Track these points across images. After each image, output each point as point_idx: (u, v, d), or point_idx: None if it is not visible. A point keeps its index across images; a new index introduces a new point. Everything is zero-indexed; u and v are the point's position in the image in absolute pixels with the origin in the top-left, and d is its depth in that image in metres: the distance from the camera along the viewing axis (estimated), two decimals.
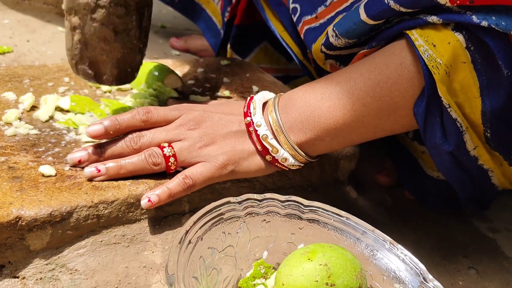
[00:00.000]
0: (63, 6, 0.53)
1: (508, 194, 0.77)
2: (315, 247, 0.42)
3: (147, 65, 0.70)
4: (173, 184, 0.48)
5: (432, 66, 0.46)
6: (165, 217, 0.51)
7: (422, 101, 0.48)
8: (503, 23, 0.43)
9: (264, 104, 0.56)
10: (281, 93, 0.56)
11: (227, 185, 0.55)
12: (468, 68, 0.46)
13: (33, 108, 0.60)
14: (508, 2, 0.42)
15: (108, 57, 0.53)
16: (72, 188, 0.47)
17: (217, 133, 0.53)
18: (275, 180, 0.59)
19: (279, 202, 0.46)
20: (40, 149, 0.52)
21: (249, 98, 0.55)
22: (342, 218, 0.48)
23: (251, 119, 0.53)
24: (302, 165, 0.55)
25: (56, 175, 0.48)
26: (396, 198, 0.72)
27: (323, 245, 0.42)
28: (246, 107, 0.54)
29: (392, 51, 0.50)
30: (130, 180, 0.49)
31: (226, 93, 0.73)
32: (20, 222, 0.43)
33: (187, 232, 0.39)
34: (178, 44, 1.17)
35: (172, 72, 0.70)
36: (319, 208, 0.47)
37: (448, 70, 0.46)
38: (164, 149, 0.50)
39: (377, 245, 0.46)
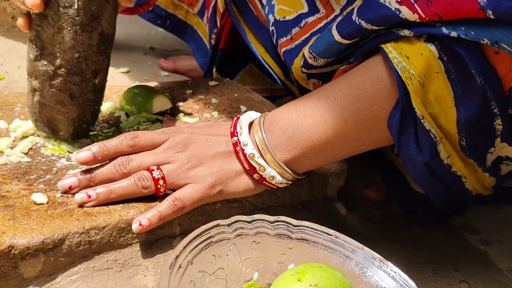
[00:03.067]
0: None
1: (493, 205, 0.78)
2: (304, 267, 0.43)
3: (137, 88, 0.71)
4: (163, 207, 0.49)
5: (406, 77, 0.47)
6: (156, 240, 0.52)
7: (397, 112, 0.49)
8: (472, 33, 0.44)
9: (251, 123, 0.57)
10: (266, 113, 0.58)
11: (217, 207, 0.56)
12: (441, 78, 0.47)
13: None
14: (474, 15, 0.44)
15: (64, 117, 0.57)
16: (64, 215, 0.47)
17: (205, 154, 0.54)
18: (264, 199, 0.60)
19: (268, 223, 0.47)
20: (32, 177, 0.52)
21: (235, 118, 0.56)
22: (331, 237, 0.48)
23: (238, 139, 0.54)
24: (289, 182, 0.56)
25: (48, 202, 0.49)
26: (386, 213, 0.73)
27: (312, 265, 0.43)
28: (232, 127, 0.55)
29: (368, 66, 0.52)
30: (120, 205, 0.50)
31: (215, 114, 0.74)
32: (13, 251, 0.43)
33: (177, 257, 0.39)
34: (166, 65, 1.18)
35: (161, 93, 0.71)
36: (308, 227, 0.48)
37: (422, 81, 0.47)
38: (153, 172, 0.51)
39: (366, 263, 0.47)
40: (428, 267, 0.63)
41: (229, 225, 0.45)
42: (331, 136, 0.52)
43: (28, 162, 0.55)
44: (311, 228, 0.48)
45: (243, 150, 0.53)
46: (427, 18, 0.46)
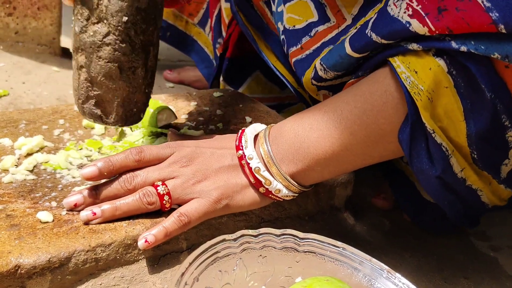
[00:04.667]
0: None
1: (506, 210, 0.77)
2: (312, 281, 0.42)
3: None
4: (169, 223, 0.49)
5: (414, 93, 0.47)
6: (163, 255, 0.51)
7: (406, 127, 0.49)
8: (482, 47, 0.44)
9: (256, 136, 0.56)
10: (272, 125, 0.57)
11: (224, 220, 0.55)
12: (451, 93, 0.47)
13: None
14: (485, 29, 0.43)
15: (113, 96, 0.53)
16: (70, 233, 0.47)
17: (210, 168, 0.53)
18: (271, 211, 0.59)
19: (274, 236, 0.47)
20: (37, 195, 0.53)
21: (240, 131, 0.56)
22: (339, 249, 0.48)
23: (243, 152, 0.53)
24: (296, 195, 0.56)
25: (53, 220, 0.48)
26: (394, 221, 0.72)
27: (320, 279, 0.43)
28: (237, 140, 0.55)
29: (376, 79, 0.51)
30: (126, 221, 0.50)
31: (220, 125, 0.74)
32: (19, 271, 0.43)
33: (182, 274, 0.39)
34: (171, 76, 1.19)
35: (166, 107, 0.71)
36: (315, 240, 0.48)
37: (430, 96, 0.47)
38: (158, 188, 0.50)
39: (374, 274, 0.47)
40: (438, 276, 0.62)
41: (235, 239, 0.45)
42: (338, 149, 0.52)
43: (33, 179, 0.56)
44: (318, 240, 0.48)
45: (249, 163, 0.53)
46: (437, 32, 0.45)
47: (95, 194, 0.50)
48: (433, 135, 0.48)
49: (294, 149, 0.53)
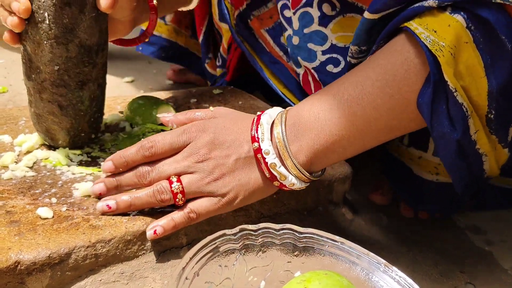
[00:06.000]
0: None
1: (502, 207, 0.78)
2: (311, 275, 0.43)
3: (141, 98, 0.72)
4: (178, 217, 0.50)
5: (436, 50, 0.47)
6: (163, 251, 0.52)
7: (427, 89, 0.48)
8: None
9: (273, 123, 0.53)
10: (288, 108, 0.55)
11: (223, 216, 0.56)
12: (471, 48, 0.47)
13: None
14: None
15: (59, 127, 0.59)
16: (70, 229, 0.48)
17: (227, 163, 0.51)
18: (270, 206, 0.60)
19: (274, 231, 0.47)
20: (37, 191, 0.53)
21: (256, 117, 0.53)
22: (337, 243, 0.48)
23: (259, 145, 0.51)
24: (307, 185, 0.54)
25: (53, 216, 0.49)
26: (392, 216, 0.73)
27: (318, 273, 0.43)
28: (254, 130, 0.52)
29: (394, 48, 0.51)
30: (126, 217, 0.50)
31: None
32: (19, 267, 0.44)
33: (183, 268, 0.39)
34: (177, 77, 1.18)
35: (166, 104, 0.71)
36: (314, 234, 0.48)
37: (452, 52, 0.47)
38: (172, 185, 0.50)
39: (372, 268, 0.47)
40: (434, 270, 0.63)
41: (235, 234, 0.45)
42: (362, 126, 0.51)
43: (33, 176, 0.56)
44: (317, 235, 0.48)
45: (265, 159, 0.51)
46: None
47: (116, 185, 0.52)
48: (455, 94, 0.48)
49: (315, 133, 0.52)
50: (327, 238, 0.48)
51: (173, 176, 0.50)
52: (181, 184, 0.50)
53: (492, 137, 0.53)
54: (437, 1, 0.47)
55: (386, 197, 0.76)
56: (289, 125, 0.52)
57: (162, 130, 0.69)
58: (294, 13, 0.69)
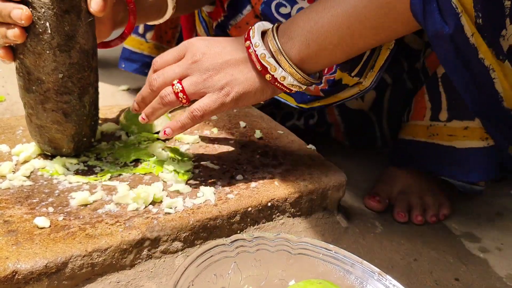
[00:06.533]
0: (20, 97, 0.60)
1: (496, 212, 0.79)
2: (305, 284, 0.43)
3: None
4: (183, 118, 0.57)
5: None
6: (158, 258, 0.52)
7: None
8: None
9: (264, 33, 0.59)
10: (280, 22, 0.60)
11: (218, 223, 0.56)
12: None
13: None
14: None
15: (63, 135, 0.60)
16: (66, 238, 0.48)
17: (220, 61, 0.57)
18: (265, 214, 0.60)
19: (268, 240, 0.48)
20: (34, 201, 0.53)
21: (249, 28, 0.59)
22: (331, 252, 0.49)
23: (250, 41, 0.57)
24: (302, 86, 0.58)
25: (50, 226, 0.49)
26: (386, 224, 0.73)
27: (312, 282, 0.44)
28: (246, 34, 0.58)
29: None
30: (122, 226, 0.51)
31: (215, 130, 0.75)
32: (16, 276, 0.44)
33: (178, 278, 0.40)
34: None
35: None
36: (308, 243, 0.49)
37: None
38: (173, 87, 0.57)
39: (366, 277, 0.48)
40: (429, 278, 0.63)
41: (230, 243, 0.46)
42: (352, 23, 0.54)
43: (30, 185, 0.56)
44: (311, 244, 0.49)
45: (255, 51, 0.56)
46: None
47: (142, 100, 0.61)
48: None
49: (307, 30, 0.56)
50: (321, 247, 0.49)
51: (175, 80, 0.57)
52: (181, 84, 0.57)
53: (491, 49, 0.55)
54: None
55: (383, 203, 0.76)
56: (281, 27, 0.58)
57: (158, 139, 0.70)
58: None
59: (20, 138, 0.66)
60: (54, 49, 0.54)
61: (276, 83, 0.57)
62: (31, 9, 0.52)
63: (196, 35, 1.00)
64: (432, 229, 0.75)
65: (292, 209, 0.62)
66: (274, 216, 0.61)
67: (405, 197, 0.78)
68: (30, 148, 0.63)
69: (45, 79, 0.56)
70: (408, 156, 0.80)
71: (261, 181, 0.63)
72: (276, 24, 0.58)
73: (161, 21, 0.75)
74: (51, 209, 0.52)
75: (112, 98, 1.07)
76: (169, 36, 1.06)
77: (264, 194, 0.60)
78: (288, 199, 0.61)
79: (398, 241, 0.70)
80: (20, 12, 0.52)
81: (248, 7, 0.83)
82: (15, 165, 0.60)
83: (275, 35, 0.57)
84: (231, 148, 0.71)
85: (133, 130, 0.71)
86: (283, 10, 0.79)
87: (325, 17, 0.55)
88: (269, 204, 0.59)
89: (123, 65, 1.07)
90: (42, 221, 0.49)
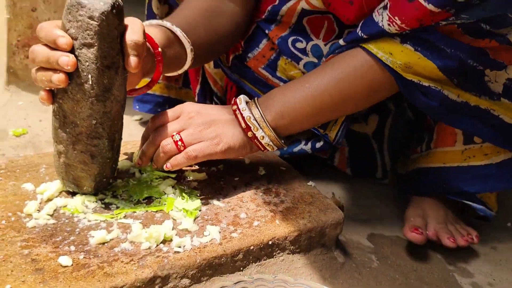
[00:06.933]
0: (51, 135, 0.66)
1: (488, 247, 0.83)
2: None
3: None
4: (180, 157, 0.69)
5: (396, 66, 0.69)
6: None
7: (398, 84, 0.71)
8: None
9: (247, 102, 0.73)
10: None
11: (223, 261, 0.61)
12: (423, 61, 0.69)
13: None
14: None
15: (87, 174, 0.66)
16: (87, 276, 0.53)
17: (212, 118, 0.71)
18: (266, 252, 0.65)
19: (267, 282, 0.53)
20: (58, 239, 0.59)
21: (235, 98, 0.73)
22: None
23: (237, 106, 0.72)
24: (275, 148, 0.73)
25: (72, 264, 0.55)
26: (382, 258, 0.78)
27: None
28: (233, 101, 0.73)
29: (353, 54, 0.73)
30: (136, 265, 0.56)
31: (221, 167, 0.80)
32: None
33: None
34: None
35: None
36: (304, 284, 0.54)
37: (409, 65, 0.69)
38: (173, 137, 0.69)
39: None
40: None
41: (233, 285, 0.51)
42: (318, 106, 0.72)
43: (53, 224, 0.62)
44: (307, 285, 0.54)
45: (242, 113, 0.71)
46: (404, 30, 0.68)
47: (143, 155, 0.73)
48: (420, 83, 0.70)
49: (282, 104, 0.72)
50: None
51: (174, 132, 0.69)
52: (180, 135, 0.69)
53: (480, 97, 0.72)
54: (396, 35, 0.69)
55: (424, 235, 0.80)
56: (261, 100, 0.74)
57: (169, 176, 0.75)
58: (325, 45, 0.88)
59: (44, 176, 0.72)
60: (92, 98, 0.60)
61: (255, 141, 0.72)
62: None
63: (203, 71, 1.06)
64: (427, 263, 0.79)
65: (292, 247, 0.68)
66: (274, 253, 0.66)
67: (444, 225, 0.83)
68: (53, 186, 0.68)
69: (79, 124, 0.62)
70: (437, 183, 0.86)
71: (263, 220, 0.68)
72: (256, 98, 0.74)
73: (180, 71, 0.82)
74: (72, 248, 0.58)
75: (126, 128, 1.13)
76: (176, 75, 1.13)
77: (266, 232, 0.65)
78: (288, 237, 0.66)
79: (393, 276, 0.75)
80: (67, 59, 0.57)
81: (264, 41, 0.91)
82: (40, 203, 0.66)
83: (257, 104, 0.72)
84: (236, 186, 0.76)
85: (145, 168, 0.76)
86: (299, 45, 0.88)
87: (297, 97, 0.72)
88: (270, 242, 0.65)
89: (137, 107, 1.15)
90: (65, 260, 0.55)
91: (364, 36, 0.72)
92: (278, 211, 0.70)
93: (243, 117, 0.71)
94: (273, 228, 0.67)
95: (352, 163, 1.01)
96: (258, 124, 0.71)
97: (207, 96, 1.09)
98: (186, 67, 0.81)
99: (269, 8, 0.89)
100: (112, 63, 0.60)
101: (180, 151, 0.69)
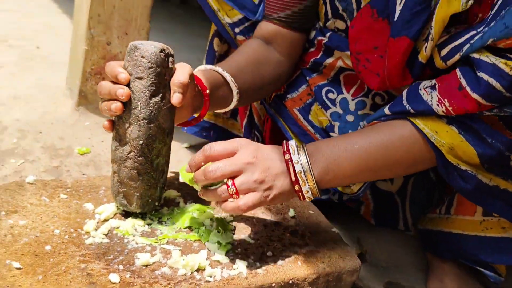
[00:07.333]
0: (110, 157, 0.79)
1: None
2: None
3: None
4: (231, 207, 0.71)
5: (440, 145, 0.73)
6: None
7: (439, 163, 0.75)
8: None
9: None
10: (304, 144, 0.77)
11: None
12: (465, 144, 0.73)
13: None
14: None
15: (134, 192, 0.77)
16: None
17: (266, 167, 0.72)
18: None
19: None
20: (109, 257, 0.70)
21: (284, 141, 0.76)
22: None
23: (290, 157, 0.74)
24: (312, 198, 0.75)
25: (120, 282, 0.65)
26: None
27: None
28: (285, 147, 0.75)
29: (400, 125, 0.77)
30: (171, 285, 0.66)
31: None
32: None
33: None
34: None
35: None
36: None
37: (451, 147, 0.73)
38: (228, 189, 0.71)
39: None
40: None
41: None
42: (363, 168, 0.76)
43: (107, 242, 0.73)
44: None
45: (294, 166, 0.73)
46: (451, 114, 0.73)
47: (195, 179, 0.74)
48: (458, 166, 0.74)
49: (329, 161, 0.75)
50: None
51: (229, 180, 0.71)
52: (235, 186, 0.70)
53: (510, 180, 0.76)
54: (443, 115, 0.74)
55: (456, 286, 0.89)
56: (310, 148, 0.76)
57: (209, 210, 0.85)
58: (352, 100, 0.97)
59: (102, 198, 0.84)
60: (140, 121, 0.73)
61: (300, 193, 0.74)
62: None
63: (251, 106, 1.17)
64: None
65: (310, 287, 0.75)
66: None
67: None
68: (109, 208, 0.80)
69: (129, 144, 0.74)
70: (457, 250, 0.92)
71: (286, 260, 0.76)
72: (305, 146, 0.76)
73: (226, 110, 0.93)
74: (121, 267, 0.68)
75: (175, 155, 1.24)
76: None
77: (288, 272, 0.73)
78: (307, 279, 0.74)
79: None
80: (122, 91, 0.71)
81: (304, 86, 1.03)
82: (97, 222, 0.77)
83: (307, 155, 0.74)
84: (267, 225, 0.85)
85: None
86: (331, 96, 0.98)
87: (343, 156, 0.75)
88: (290, 281, 0.73)
89: (185, 128, 1.26)
90: (114, 277, 0.65)
91: (411, 111, 0.76)
92: (302, 253, 0.78)
93: (294, 171, 0.73)
94: (294, 268, 0.75)
95: (376, 214, 1.07)
96: (306, 179, 0.73)
97: (252, 129, 1.19)
98: (231, 106, 0.92)
99: (312, 59, 0.99)
100: (158, 94, 0.73)
101: (232, 197, 0.71)
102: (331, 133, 0.99)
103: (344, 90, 0.98)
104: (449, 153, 0.73)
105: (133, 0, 1.18)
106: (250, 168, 0.71)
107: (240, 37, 1.09)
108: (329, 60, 0.98)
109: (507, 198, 0.77)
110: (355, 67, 0.90)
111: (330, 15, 0.96)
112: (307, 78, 1.02)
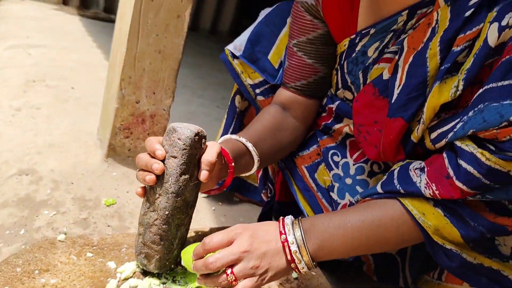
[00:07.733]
0: (138, 220, 0.89)
1: None
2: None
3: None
4: None
5: (426, 226, 0.79)
6: None
7: (425, 241, 0.82)
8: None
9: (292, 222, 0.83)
10: (300, 218, 0.85)
11: None
12: (449, 226, 0.79)
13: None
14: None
15: (154, 254, 0.86)
16: None
17: (262, 252, 0.79)
18: None
19: None
20: None
21: (281, 219, 0.84)
22: None
23: (286, 237, 0.81)
24: (308, 270, 0.82)
25: None
26: None
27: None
28: (281, 226, 0.83)
29: (390, 206, 0.83)
30: None
31: None
32: None
33: None
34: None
35: None
36: None
37: (437, 228, 0.79)
38: (228, 276, 0.78)
39: None
40: None
41: None
42: (355, 246, 0.82)
43: None
44: None
45: (290, 247, 0.80)
46: (438, 197, 0.78)
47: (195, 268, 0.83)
48: (444, 245, 0.80)
49: (323, 238, 0.81)
50: None
51: (228, 269, 0.78)
52: (234, 275, 0.78)
53: (495, 259, 0.82)
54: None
55: None
56: (306, 223, 0.83)
57: None
58: (353, 164, 1.05)
59: (124, 256, 0.93)
60: (168, 194, 0.82)
61: (296, 269, 0.81)
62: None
63: None
64: None
65: None
66: None
67: None
68: (130, 267, 0.89)
69: (157, 212, 0.83)
70: None
71: None
72: (300, 220, 0.83)
73: (246, 174, 1.03)
74: None
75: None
76: None
77: None
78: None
79: None
80: (157, 166, 0.81)
81: (315, 146, 1.13)
82: (118, 281, 0.86)
83: (302, 231, 0.81)
84: (270, 285, 0.92)
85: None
86: (335, 158, 1.08)
87: (337, 234, 0.81)
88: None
89: None
90: None
91: (402, 191, 0.83)
92: None
93: (290, 251, 0.80)
94: None
95: (377, 271, 1.14)
96: (302, 256, 0.80)
97: (266, 181, 1.28)
98: (252, 172, 1.03)
99: (323, 123, 1.09)
100: (188, 172, 0.83)
101: (231, 284, 0.79)
102: (331, 193, 1.06)
103: (348, 155, 1.07)
104: (435, 233, 0.79)
105: (161, 64, 1.30)
106: (247, 256, 0.79)
107: (260, 98, 1.20)
108: (337, 126, 1.07)
109: (492, 275, 0.82)
110: (356, 136, 0.99)
111: (340, 85, 1.06)
112: (318, 139, 1.11)
